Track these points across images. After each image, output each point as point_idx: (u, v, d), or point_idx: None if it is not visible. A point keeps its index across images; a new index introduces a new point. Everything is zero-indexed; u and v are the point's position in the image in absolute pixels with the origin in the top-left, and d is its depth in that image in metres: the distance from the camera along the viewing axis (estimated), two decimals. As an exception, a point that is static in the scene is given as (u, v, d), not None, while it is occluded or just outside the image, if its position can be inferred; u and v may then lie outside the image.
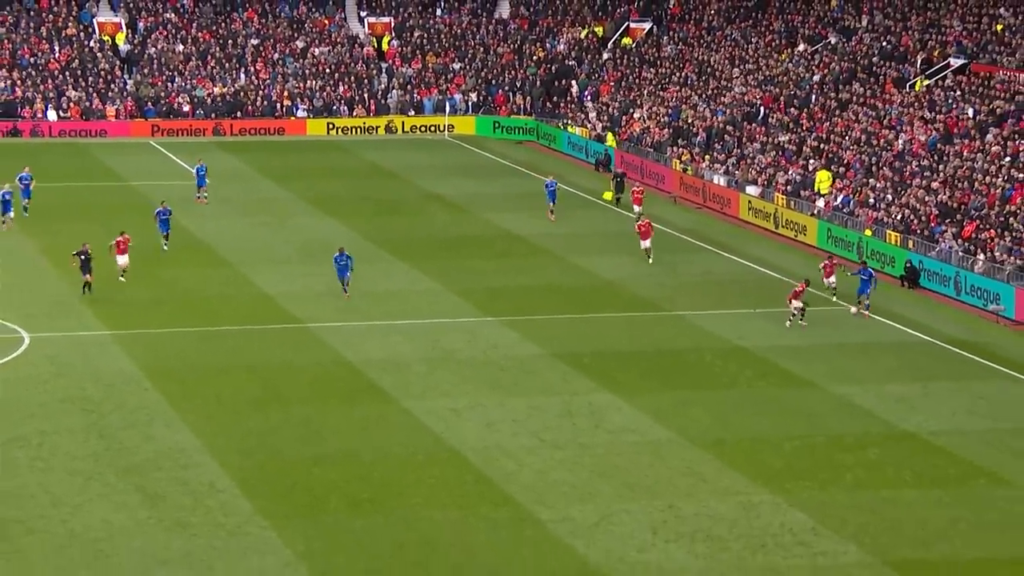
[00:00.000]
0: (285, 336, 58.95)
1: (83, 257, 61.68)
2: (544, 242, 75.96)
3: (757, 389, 53.97)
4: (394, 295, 65.00)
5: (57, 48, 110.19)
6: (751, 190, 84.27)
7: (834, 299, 63.77)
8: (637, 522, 41.88)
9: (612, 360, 56.68)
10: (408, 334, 59.23)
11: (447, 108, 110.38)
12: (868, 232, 74.34)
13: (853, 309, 62.72)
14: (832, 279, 64.42)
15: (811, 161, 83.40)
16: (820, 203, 78.98)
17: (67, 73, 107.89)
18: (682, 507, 42.97)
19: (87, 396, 50.87)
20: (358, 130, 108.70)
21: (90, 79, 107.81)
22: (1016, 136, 76.62)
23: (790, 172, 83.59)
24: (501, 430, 48.71)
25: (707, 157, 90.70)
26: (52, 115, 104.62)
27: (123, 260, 63.67)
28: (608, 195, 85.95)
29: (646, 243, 71.10)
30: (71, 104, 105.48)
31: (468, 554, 39.69)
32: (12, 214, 75.08)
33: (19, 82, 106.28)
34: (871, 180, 78.82)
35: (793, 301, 60.78)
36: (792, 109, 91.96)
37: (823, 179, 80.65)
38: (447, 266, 70.31)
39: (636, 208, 79.89)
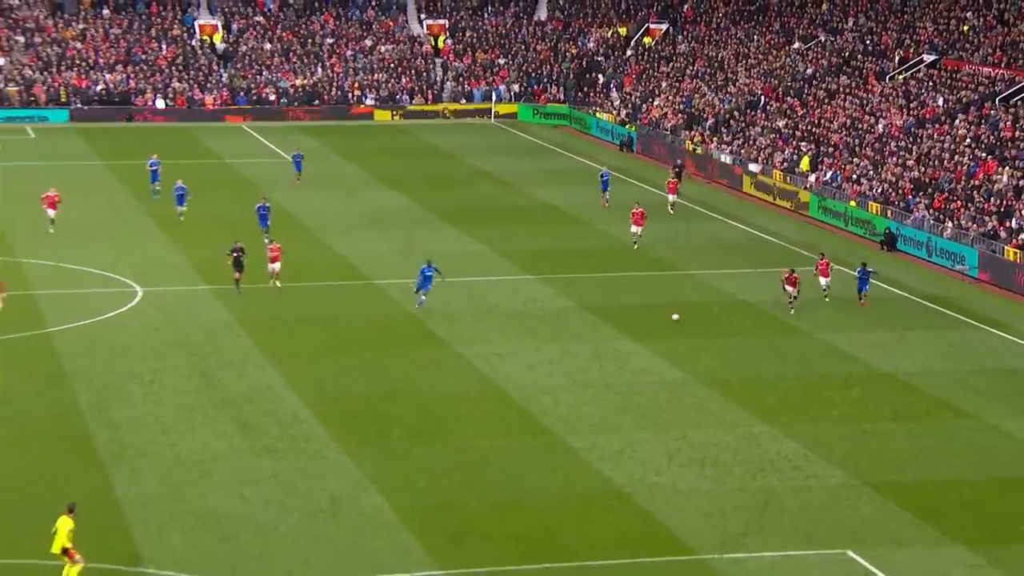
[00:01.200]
0: (356, 291, 59.12)
1: (236, 255, 57.37)
2: (576, 212, 75.87)
3: (757, 337, 53.90)
4: (448, 256, 64.89)
5: (164, 47, 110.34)
6: (753, 167, 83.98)
7: (827, 300, 57.98)
8: (655, 449, 41.96)
9: (634, 312, 56.67)
10: (460, 289, 59.26)
11: (493, 97, 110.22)
12: (852, 203, 74.07)
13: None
14: (827, 279, 57.96)
15: (803, 143, 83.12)
16: (812, 178, 78.69)
17: (172, 67, 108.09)
18: (693, 437, 43.03)
19: (190, 341, 51.15)
20: (418, 116, 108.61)
21: (192, 72, 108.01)
22: (980, 121, 76.21)
23: (786, 152, 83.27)
24: (539, 371, 48.80)
25: (715, 139, 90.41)
26: (160, 103, 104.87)
27: (275, 267, 57.85)
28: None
29: (636, 229, 66.65)
30: (176, 94, 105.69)
31: (510, 476, 39.83)
32: (184, 207, 70.43)
33: (132, 75, 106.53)
34: (855, 159, 78.50)
35: (788, 287, 56.48)
36: (788, 98, 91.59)
37: (805, 163, 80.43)
38: (493, 232, 70.30)
39: (670, 197, 75.40)
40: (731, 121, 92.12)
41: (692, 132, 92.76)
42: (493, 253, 66.05)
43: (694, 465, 40.85)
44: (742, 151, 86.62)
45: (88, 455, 40.52)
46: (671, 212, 74.55)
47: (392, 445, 41.85)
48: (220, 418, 43.59)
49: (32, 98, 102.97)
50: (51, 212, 66.73)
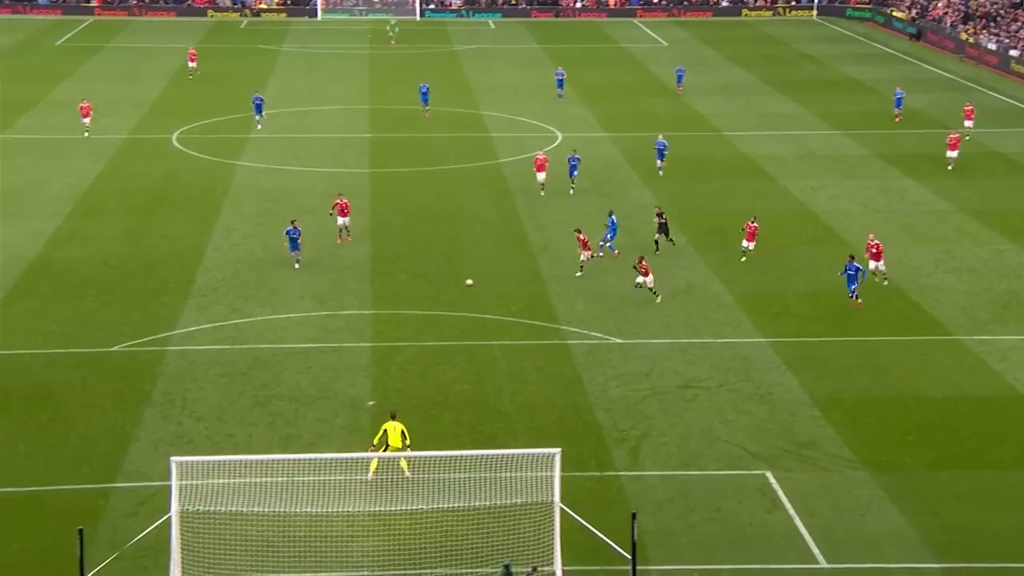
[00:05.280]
0: (708, 140, 57.71)
1: (660, 220, 40.14)
2: (873, 85, 71.83)
3: (1007, 179, 50.50)
4: (778, 116, 62.97)
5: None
6: (1013, 52, 77.53)
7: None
8: (924, 259, 40.22)
9: (911, 158, 53.77)
10: (785, 139, 57.48)
11: (815, 1, 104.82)
12: (1091, 80, 67.60)
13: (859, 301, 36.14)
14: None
15: (1055, 33, 76.14)
16: (1059, 61, 72.12)
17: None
18: (954, 251, 41.01)
19: (594, 171, 50.58)
20: (763, 12, 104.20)
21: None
22: None
23: (1040, 41, 76.54)
24: (841, 200, 47.14)
25: (985, 31, 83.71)
26: (578, 4, 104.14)
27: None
28: None
29: (952, 154, 51.42)
30: None
31: (816, 273, 38.89)
32: (562, 91, 65.28)
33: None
34: (1096, 46, 71.42)
35: (745, 243, 39.68)
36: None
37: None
38: (811, 98, 67.41)
39: (966, 123, 56.77)
40: (997, 18, 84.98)
41: (967, 26, 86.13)
42: (810, 114, 63.47)
43: (954, 271, 38.95)
44: (1005, 40, 79.99)
45: (524, 247, 41.53)
46: (967, 138, 56.06)
47: (729, 248, 41.08)
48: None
49: (493, 2, 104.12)
50: (541, 176, 47.35)
